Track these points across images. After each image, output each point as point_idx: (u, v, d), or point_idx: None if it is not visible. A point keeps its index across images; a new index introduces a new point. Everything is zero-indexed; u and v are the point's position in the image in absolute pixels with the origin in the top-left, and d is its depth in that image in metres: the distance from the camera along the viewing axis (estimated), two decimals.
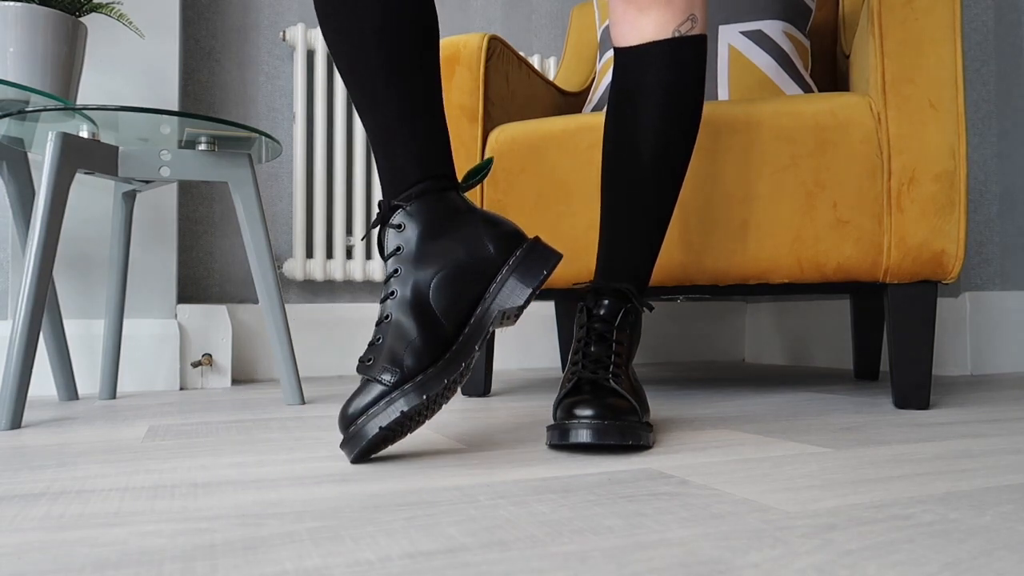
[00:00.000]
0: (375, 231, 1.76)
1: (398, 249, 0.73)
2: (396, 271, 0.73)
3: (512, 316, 0.74)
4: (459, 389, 0.72)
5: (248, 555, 0.42)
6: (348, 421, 0.68)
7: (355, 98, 0.77)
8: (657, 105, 0.85)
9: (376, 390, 0.68)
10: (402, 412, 0.66)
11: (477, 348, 0.72)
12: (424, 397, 0.67)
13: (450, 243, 0.73)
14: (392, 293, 0.72)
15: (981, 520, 0.49)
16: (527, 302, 0.73)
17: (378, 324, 0.72)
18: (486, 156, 1.22)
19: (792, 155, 1.07)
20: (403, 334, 0.70)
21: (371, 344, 0.71)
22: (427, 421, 0.72)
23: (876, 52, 1.05)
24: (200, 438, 0.85)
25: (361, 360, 0.71)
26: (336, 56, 0.77)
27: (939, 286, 1.74)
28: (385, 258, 0.74)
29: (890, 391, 1.28)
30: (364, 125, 0.78)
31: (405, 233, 0.73)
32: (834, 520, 0.49)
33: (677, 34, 0.86)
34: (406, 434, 0.71)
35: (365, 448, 0.67)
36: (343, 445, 0.69)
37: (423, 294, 0.71)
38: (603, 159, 0.90)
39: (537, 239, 0.77)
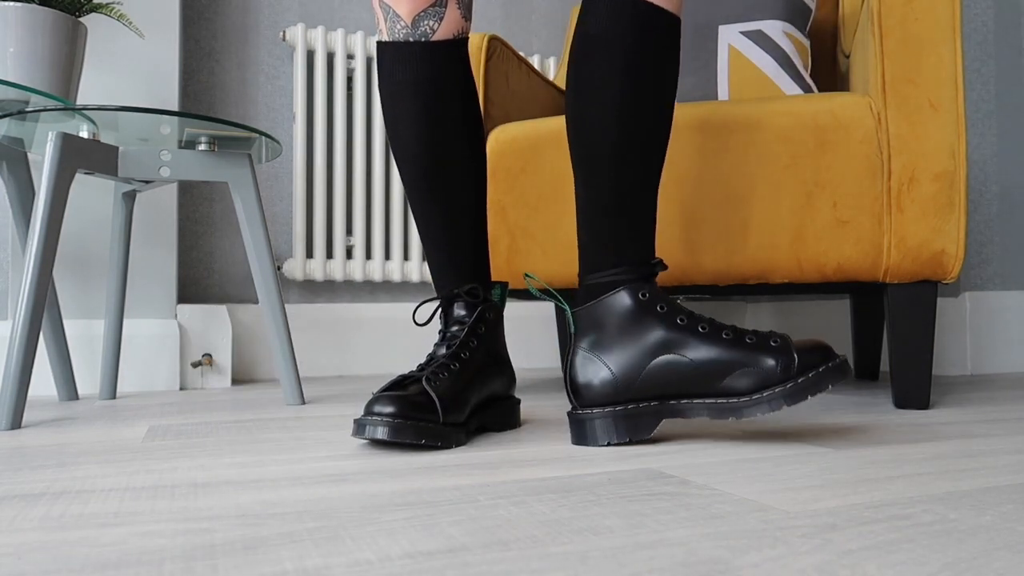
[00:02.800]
0: (375, 229, 1.75)
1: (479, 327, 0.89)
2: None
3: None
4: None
5: (248, 555, 0.42)
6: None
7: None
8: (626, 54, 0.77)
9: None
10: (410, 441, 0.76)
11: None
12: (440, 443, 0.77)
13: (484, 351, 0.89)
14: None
15: (981, 520, 0.49)
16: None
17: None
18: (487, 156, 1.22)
19: (792, 155, 1.07)
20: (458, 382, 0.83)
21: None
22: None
23: (876, 52, 1.05)
24: (200, 438, 0.85)
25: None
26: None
27: (939, 286, 1.74)
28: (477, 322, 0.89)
29: (890, 391, 1.28)
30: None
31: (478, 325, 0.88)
32: (834, 520, 0.49)
33: None
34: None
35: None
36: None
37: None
38: (568, 126, 0.82)
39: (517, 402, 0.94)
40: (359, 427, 0.74)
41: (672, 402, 0.77)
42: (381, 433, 0.73)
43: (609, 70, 0.77)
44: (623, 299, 0.77)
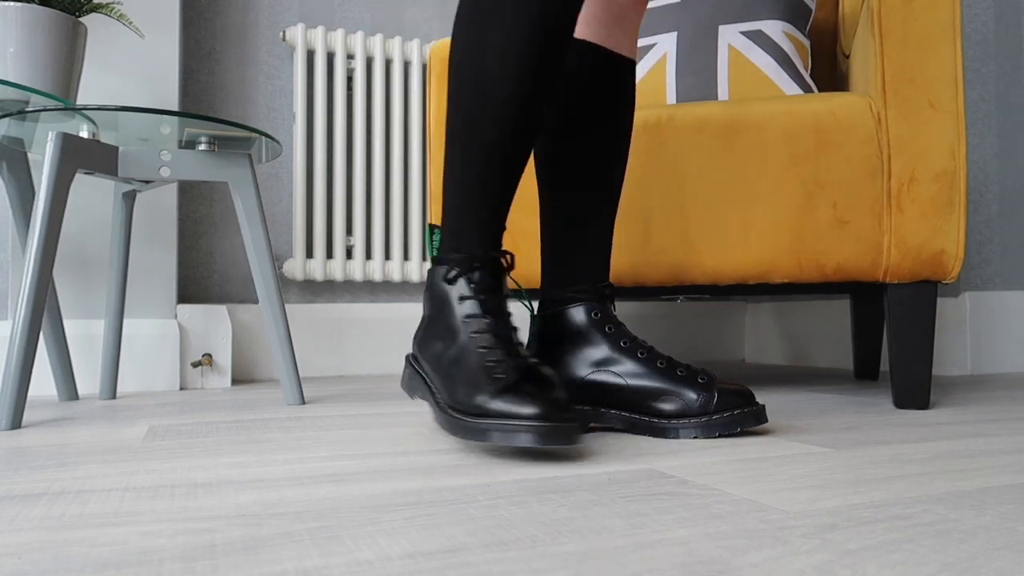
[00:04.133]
0: (375, 225, 1.75)
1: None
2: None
3: None
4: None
5: (248, 555, 0.42)
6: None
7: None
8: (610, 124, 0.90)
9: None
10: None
11: None
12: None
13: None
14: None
15: (981, 520, 0.49)
16: None
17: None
18: None
19: (792, 155, 1.07)
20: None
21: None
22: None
23: (876, 52, 1.05)
24: (200, 438, 0.85)
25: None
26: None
27: (939, 286, 1.74)
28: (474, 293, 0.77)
29: (890, 391, 1.28)
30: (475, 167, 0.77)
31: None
32: (834, 520, 0.49)
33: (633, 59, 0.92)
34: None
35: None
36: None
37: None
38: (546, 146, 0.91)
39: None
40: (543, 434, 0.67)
41: (602, 410, 0.85)
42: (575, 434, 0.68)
43: (567, 108, 0.88)
44: (578, 314, 0.87)
